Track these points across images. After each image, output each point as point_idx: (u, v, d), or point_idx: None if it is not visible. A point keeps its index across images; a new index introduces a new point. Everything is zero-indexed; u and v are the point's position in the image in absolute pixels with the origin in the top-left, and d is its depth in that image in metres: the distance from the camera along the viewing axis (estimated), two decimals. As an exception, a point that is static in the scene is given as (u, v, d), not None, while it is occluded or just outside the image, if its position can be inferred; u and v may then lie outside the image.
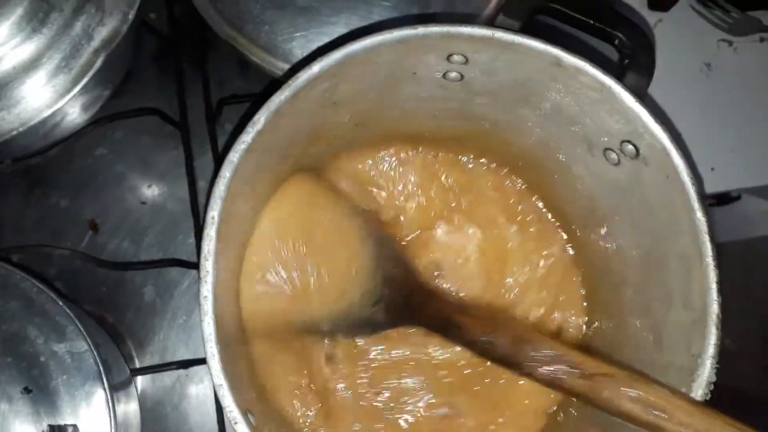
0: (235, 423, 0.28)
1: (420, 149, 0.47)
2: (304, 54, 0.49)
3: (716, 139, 0.59)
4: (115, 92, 0.56)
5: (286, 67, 0.50)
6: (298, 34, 0.50)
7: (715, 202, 0.58)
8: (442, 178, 0.48)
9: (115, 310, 0.54)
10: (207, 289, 0.29)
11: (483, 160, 0.47)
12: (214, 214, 0.30)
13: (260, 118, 0.31)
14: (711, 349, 0.31)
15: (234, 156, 0.31)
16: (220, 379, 0.28)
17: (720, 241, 0.49)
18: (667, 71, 0.52)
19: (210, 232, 0.30)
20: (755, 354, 0.53)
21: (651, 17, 0.60)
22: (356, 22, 0.49)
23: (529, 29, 0.36)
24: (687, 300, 0.33)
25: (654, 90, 0.43)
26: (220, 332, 0.29)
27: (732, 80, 0.61)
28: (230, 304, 0.34)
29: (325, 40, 0.49)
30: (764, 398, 0.50)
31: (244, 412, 0.29)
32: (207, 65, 0.58)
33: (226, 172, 0.31)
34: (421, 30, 0.33)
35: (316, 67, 0.32)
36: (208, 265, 0.29)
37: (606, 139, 0.37)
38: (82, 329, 0.39)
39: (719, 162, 0.58)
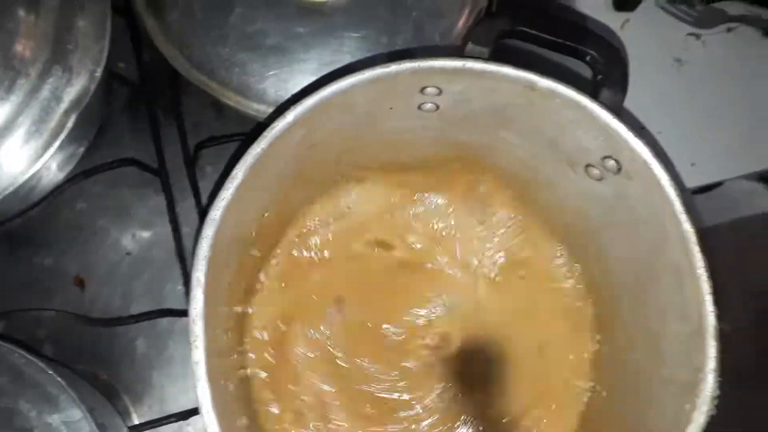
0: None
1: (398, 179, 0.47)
2: (278, 93, 0.49)
3: (694, 134, 0.59)
4: (90, 146, 0.55)
5: (262, 107, 0.49)
6: (270, 73, 0.50)
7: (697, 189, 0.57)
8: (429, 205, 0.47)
9: (108, 366, 0.53)
10: (199, 354, 0.28)
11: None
12: (199, 275, 0.29)
13: (238, 173, 0.31)
14: (711, 363, 0.31)
15: (215, 214, 0.30)
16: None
17: (707, 226, 0.49)
18: (639, 70, 0.51)
19: (197, 294, 0.29)
20: (750, 334, 0.53)
21: (618, 18, 0.60)
22: (328, 57, 0.49)
23: (499, 55, 0.36)
24: (683, 312, 0.33)
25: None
26: (216, 395, 0.28)
27: (703, 73, 0.61)
28: (227, 357, 0.33)
29: (299, 77, 0.49)
30: (760, 377, 0.50)
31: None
32: (181, 110, 0.57)
33: (208, 231, 0.30)
34: (393, 68, 0.33)
35: (290, 116, 0.32)
36: (197, 329, 0.29)
37: (586, 156, 0.37)
38: (75, 396, 0.38)
39: (698, 156, 0.58)
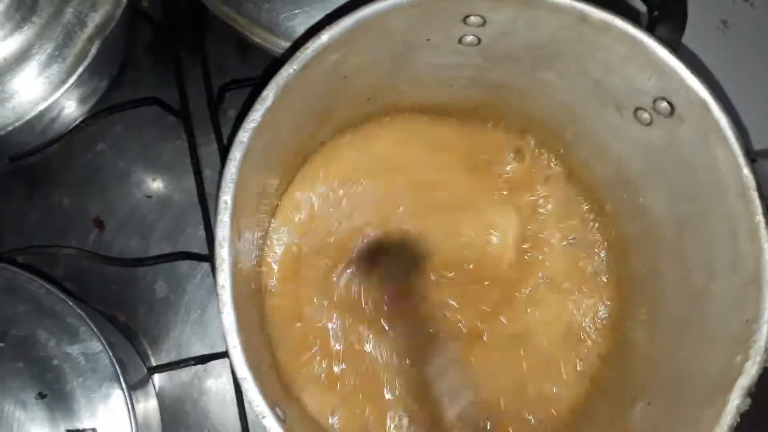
0: (263, 417, 0.26)
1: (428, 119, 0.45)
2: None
3: (736, 99, 0.57)
4: (112, 84, 0.54)
5: (289, 45, 0.47)
6: (299, 10, 0.48)
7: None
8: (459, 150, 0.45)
9: (126, 308, 0.52)
10: (224, 278, 0.27)
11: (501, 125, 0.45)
12: (226, 198, 0.28)
13: (269, 94, 0.29)
14: (766, 313, 0.29)
15: (244, 136, 0.29)
16: (244, 372, 0.26)
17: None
18: (683, 30, 0.50)
19: (224, 218, 0.28)
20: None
21: (662, -24, 0.58)
22: (361, -6, 0.47)
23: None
24: (735, 263, 0.31)
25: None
26: (241, 322, 0.27)
27: (750, 37, 0.59)
28: (248, 288, 0.32)
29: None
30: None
31: (272, 405, 0.27)
32: (205, 51, 0.56)
33: (236, 154, 0.29)
34: (435, -10, 0.31)
35: (325, 36, 0.30)
36: (223, 252, 0.27)
37: (637, 98, 0.35)
38: (95, 329, 0.37)
39: (740, 123, 0.56)
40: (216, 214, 0.27)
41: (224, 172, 0.28)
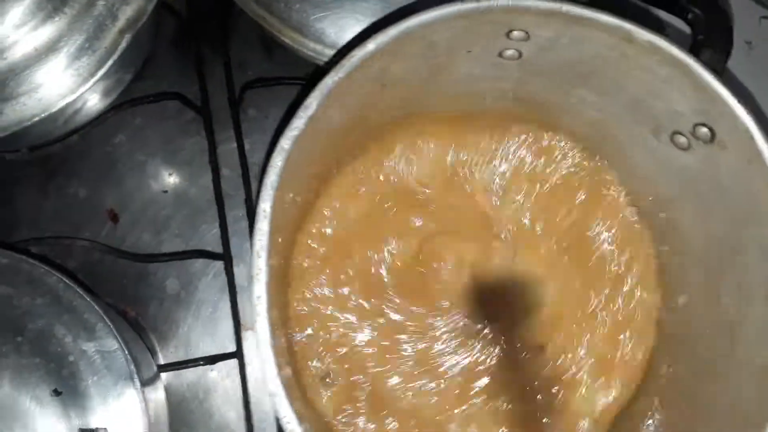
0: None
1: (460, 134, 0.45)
2: (337, 33, 0.47)
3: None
4: (135, 79, 0.53)
5: (318, 47, 0.47)
6: (330, 12, 0.47)
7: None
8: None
9: (137, 303, 0.52)
10: (260, 289, 0.27)
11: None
12: (266, 206, 0.28)
13: (312, 102, 0.29)
14: (806, 348, 0.28)
15: (286, 143, 0.28)
16: (276, 386, 0.26)
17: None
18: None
19: (262, 227, 0.27)
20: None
21: (690, -3, 0.58)
22: (394, -1, 0.46)
23: (595, 2, 0.33)
24: (770, 292, 0.31)
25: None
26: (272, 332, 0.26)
27: (774, 57, 0.59)
28: (278, 296, 0.31)
29: (360, 18, 0.46)
30: None
31: (299, 420, 0.26)
32: (229, 48, 0.55)
33: (278, 161, 0.28)
34: (483, 3, 0.30)
35: (371, 45, 0.30)
36: (261, 262, 0.27)
37: (676, 122, 0.35)
38: (111, 326, 0.36)
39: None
40: (255, 222, 0.27)
41: (264, 179, 0.28)
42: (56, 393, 0.36)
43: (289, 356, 0.34)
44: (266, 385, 0.26)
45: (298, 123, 0.28)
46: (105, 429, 0.36)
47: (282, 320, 0.32)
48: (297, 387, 0.35)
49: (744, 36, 0.59)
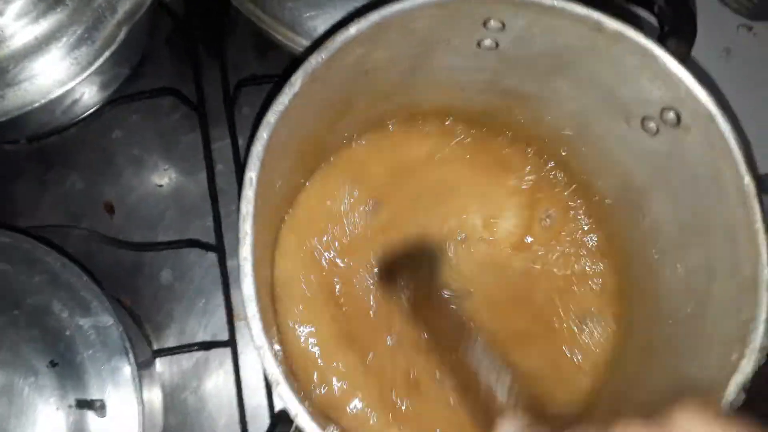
0: (277, 384, 0.27)
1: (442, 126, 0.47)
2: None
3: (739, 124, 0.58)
4: (132, 75, 0.55)
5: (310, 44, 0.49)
6: (322, 11, 0.49)
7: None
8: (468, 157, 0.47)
9: (131, 293, 0.53)
10: (246, 251, 0.28)
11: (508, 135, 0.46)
12: (252, 175, 0.29)
13: (297, 80, 0.31)
14: (763, 313, 0.30)
15: (271, 117, 0.30)
16: (261, 340, 0.27)
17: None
18: (686, 57, 0.51)
19: (248, 193, 0.29)
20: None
21: (669, 6, 0.60)
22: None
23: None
24: (734, 268, 0.33)
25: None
26: (258, 291, 0.28)
27: (752, 64, 0.60)
28: (263, 269, 0.33)
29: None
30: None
31: (285, 375, 0.28)
32: (224, 47, 0.57)
33: (263, 133, 0.30)
34: (460, -8, 0.32)
35: (353, 29, 0.31)
36: (247, 226, 0.29)
37: (645, 108, 0.36)
38: (107, 303, 0.38)
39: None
40: (242, 189, 0.29)
41: (251, 149, 0.30)
42: (52, 365, 0.37)
43: (273, 313, 0.35)
44: (254, 340, 0.27)
45: (283, 99, 0.30)
46: (101, 400, 0.37)
47: (265, 282, 0.33)
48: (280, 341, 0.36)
49: (722, 44, 0.61)
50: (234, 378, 0.51)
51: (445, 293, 0.44)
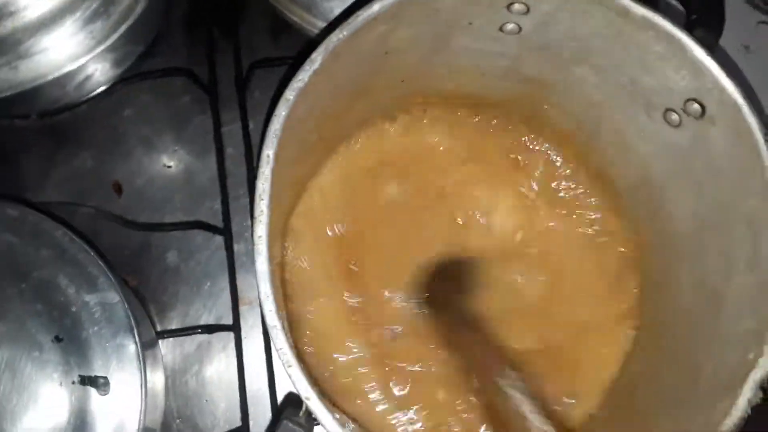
0: (289, 366, 0.27)
1: (460, 113, 0.46)
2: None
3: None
4: (145, 55, 0.54)
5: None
6: (339, -10, 0.49)
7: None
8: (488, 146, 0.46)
9: (137, 273, 0.53)
10: (261, 229, 0.28)
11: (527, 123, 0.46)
12: (269, 152, 0.29)
13: (317, 57, 0.30)
14: (784, 310, 0.29)
15: (290, 94, 0.29)
16: (273, 320, 0.27)
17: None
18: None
19: (265, 171, 0.28)
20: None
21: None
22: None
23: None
24: (753, 263, 0.32)
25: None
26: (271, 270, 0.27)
27: (771, 61, 0.60)
28: (276, 248, 0.32)
29: (369, -2, 0.48)
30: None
31: (296, 357, 0.27)
32: (238, 29, 0.57)
33: (281, 111, 0.29)
34: (485, -28, 0.32)
35: (376, 6, 0.31)
36: (263, 204, 0.28)
37: (668, 98, 0.36)
38: (114, 281, 0.37)
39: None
40: (258, 168, 0.28)
41: (269, 127, 0.29)
42: (57, 340, 0.37)
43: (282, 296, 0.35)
44: (266, 320, 0.27)
45: (302, 75, 0.30)
46: (105, 377, 0.36)
47: (277, 258, 0.32)
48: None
49: (742, 40, 0.60)
50: (236, 362, 0.50)
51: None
